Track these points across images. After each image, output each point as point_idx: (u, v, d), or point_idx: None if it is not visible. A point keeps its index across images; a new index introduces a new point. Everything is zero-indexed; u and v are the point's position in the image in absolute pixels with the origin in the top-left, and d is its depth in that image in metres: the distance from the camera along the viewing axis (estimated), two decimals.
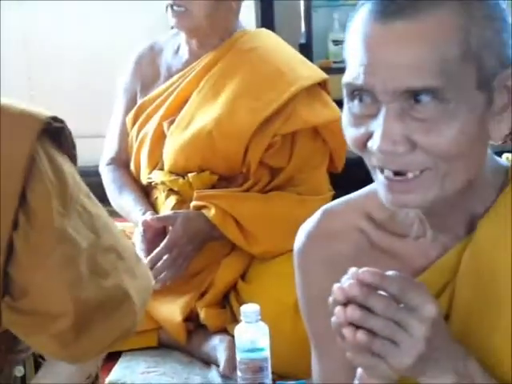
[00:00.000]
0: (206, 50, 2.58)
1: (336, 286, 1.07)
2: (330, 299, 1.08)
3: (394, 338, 1.05)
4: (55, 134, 1.42)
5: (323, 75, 2.58)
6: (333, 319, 1.08)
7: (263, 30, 2.80)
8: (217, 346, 2.41)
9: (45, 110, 1.42)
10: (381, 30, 1.10)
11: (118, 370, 2.43)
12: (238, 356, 1.99)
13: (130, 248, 1.54)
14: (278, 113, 2.45)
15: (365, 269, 1.07)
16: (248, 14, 4.00)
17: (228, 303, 2.48)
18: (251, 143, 2.45)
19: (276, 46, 2.64)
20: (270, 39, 2.66)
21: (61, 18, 4.37)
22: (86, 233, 1.42)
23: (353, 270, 1.07)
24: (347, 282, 1.06)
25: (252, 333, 1.98)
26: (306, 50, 4.52)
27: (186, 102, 2.56)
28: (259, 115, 2.44)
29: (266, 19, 4.61)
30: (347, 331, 1.06)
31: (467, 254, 1.19)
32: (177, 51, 2.68)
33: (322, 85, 2.58)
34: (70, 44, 4.38)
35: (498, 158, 1.24)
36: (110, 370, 2.42)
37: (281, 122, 2.46)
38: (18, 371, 1.56)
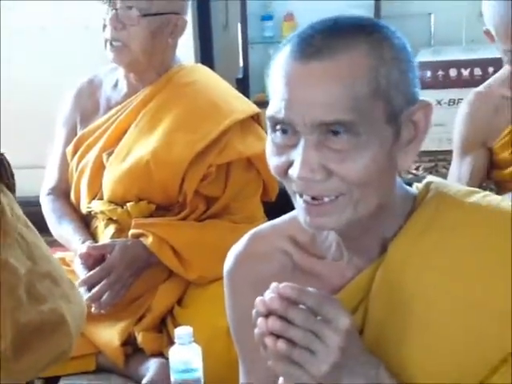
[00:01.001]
0: (144, 84, 2.60)
1: (258, 299, 1.15)
2: (254, 312, 1.15)
3: (311, 347, 1.13)
4: None
5: (256, 109, 2.62)
6: (256, 330, 1.15)
7: (199, 65, 2.83)
8: (151, 368, 2.42)
9: None
10: (299, 69, 1.19)
11: None
12: (172, 377, 2.02)
13: (65, 276, 1.60)
14: (213, 144, 2.48)
15: (285, 284, 1.14)
16: (187, 50, 4.10)
17: (165, 327, 2.50)
18: (187, 173, 2.47)
19: (211, 80, 2.67)
20: (205, 74, 2.69)
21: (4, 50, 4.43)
22: (24, 260, 1.45)
23: (274, 284, 1.15)
24: (269, 295, 1.14)
25: (185, 354, 1.99)
26: (243, 84, 4.64)
27: (124, 133, 2.58)
28: (195, 147, 2.46)
29: (205, 55, 4.71)
30: (269, 340, 1.13)
31: (378, 274, 1.28)
32: (116, 84, 2.69)
33: (256, 118, 2.62)
34: (11, 76, 4.43)
35: (407, 187, 1.33)
36: None
37: (216, 153, 2.49)
38: None
